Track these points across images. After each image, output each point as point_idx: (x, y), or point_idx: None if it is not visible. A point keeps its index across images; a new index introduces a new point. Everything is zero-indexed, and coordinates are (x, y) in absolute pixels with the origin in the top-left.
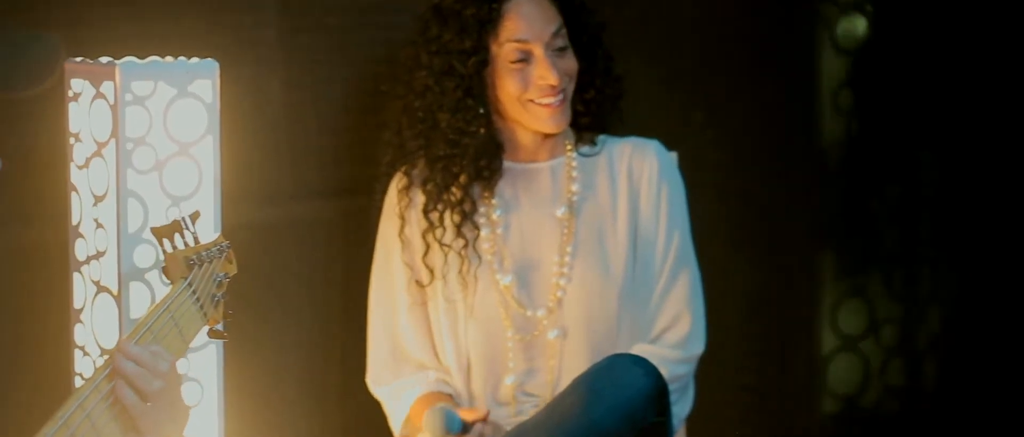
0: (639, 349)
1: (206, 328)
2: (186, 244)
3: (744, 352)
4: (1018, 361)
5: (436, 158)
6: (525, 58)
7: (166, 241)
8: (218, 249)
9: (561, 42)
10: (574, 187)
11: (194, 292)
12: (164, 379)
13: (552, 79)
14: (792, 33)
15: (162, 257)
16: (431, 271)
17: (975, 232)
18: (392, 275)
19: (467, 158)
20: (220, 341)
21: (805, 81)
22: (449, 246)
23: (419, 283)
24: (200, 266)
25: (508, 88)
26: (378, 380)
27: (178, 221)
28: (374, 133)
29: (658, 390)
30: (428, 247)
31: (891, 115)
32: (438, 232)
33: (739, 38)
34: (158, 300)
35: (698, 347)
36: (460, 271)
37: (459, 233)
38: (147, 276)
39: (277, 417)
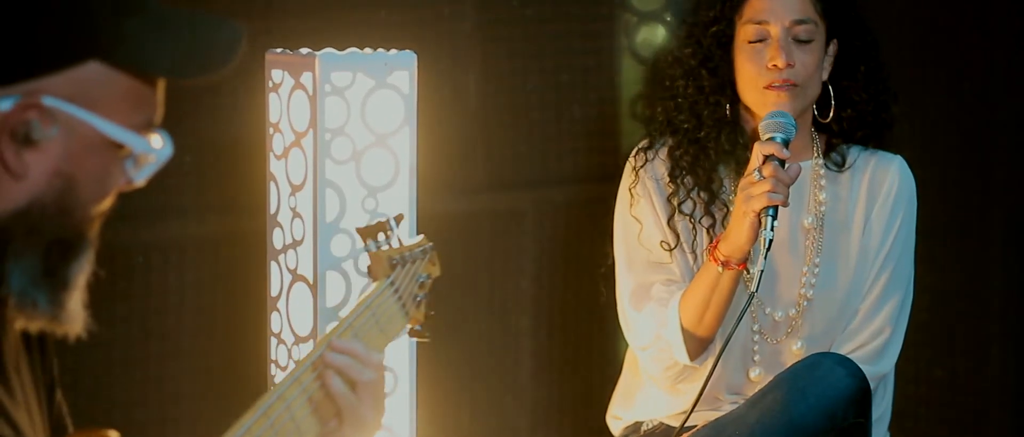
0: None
1: (407, 327)
2: (390, 245)
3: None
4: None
5: (681, 131)
6: (763, 38)
7: (370, 241)
8: (421, 251)
9: (805, 34)
10: (822, 196)
11: (397, 291)
12: (375, 370)
13: (779, 60)
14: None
15: (365, 255)
16: (677, 234)
17: None
18: (632, 249)
19: (710, 135)
20: (421, 340)
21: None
22: (697, 220)
23: (665, 245)
24: (403, 266)
25: (744, 69)
26: (637, 336)
27: (382, 222)
28: (570, 125)
29: (861, 391)
30: (674, 212)
31: None
32: (687, 205)
33: None
34: (355, 292)
35: (887, 366)
36: (706, 248)
37: (707, 211)
38: (343, 265)
39: (468, 407)
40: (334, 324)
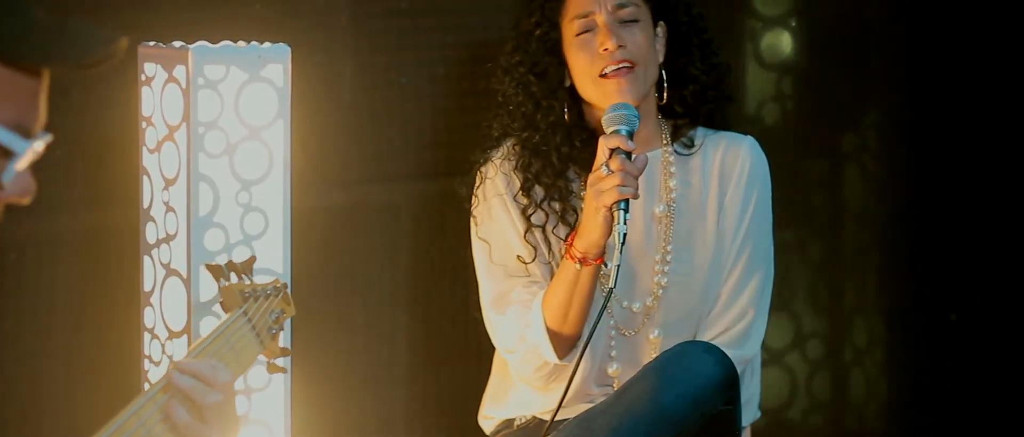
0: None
1: (265, 362)
2: (241, 281)
3: None
4: (946, 373)
5: (523, 143)
6: (590, 29)
7: (222, 279)
8: (274, 289)
9: (630, 16)
10: (672, 183)
11: (250, 320)
12: (222, 392)
13: (609, 42)
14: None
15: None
16: (534, 248)
17: (903, 243)
18: (487, 265)
19: (546, 140)
20: (278, 373)
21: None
22: (551, 230)
23: (521, 260)
24: (255, 300)
25: (577, 63)
26: (503, 340)
27: (232, 263)
28: (445, 118)
29: (729, 379)
30: (529, 227)
31: (815, 131)
32: (538, 217)
33: None
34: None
35: (753, 349)
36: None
37: (563, 220)
38: (217, 260)
39: (343, 400)
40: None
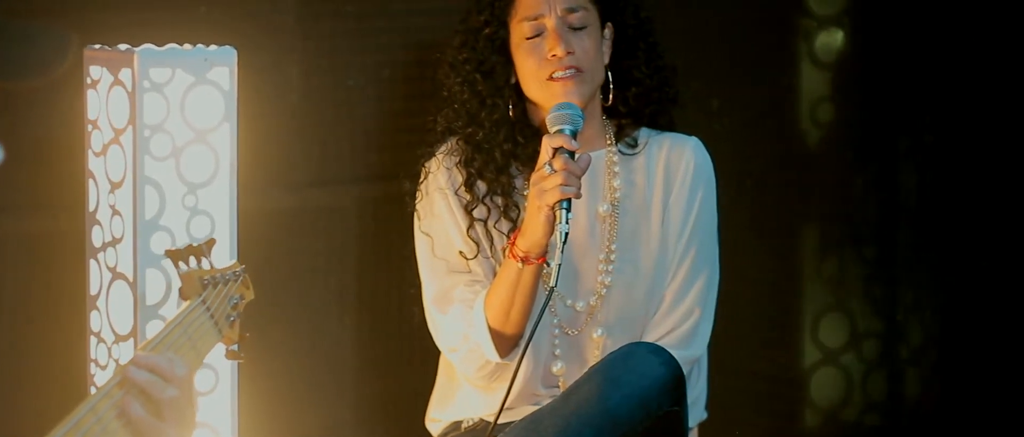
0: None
1: (223, 349)
2: (200, 267)
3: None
4: (1000, 375)
5: (466, 139)
6: (539, 33)
7: (181, 263)
8: (234, 273)
9: (579, 21)
10: (616, 183)
11: (209, 309)
12: (178, 387)
13: (558, 49)
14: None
15: (178, 278)
16: (476, 244)
17: (958, 243)
18: (429, 260)
19: (489, 137)
20: (236, 360)
21: (786, 93)
22: (493, 225)
23: (463, 256)
24: (214, 286)
25: (525, 66)
26: (446, 339)
27: (193, 246)
28: (391, 120)
29: (675, 380)
30: (471, 223)
31: (869, 128)
32: (480, 211)
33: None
34: (176, 288)
35: (699, 349)
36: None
37: (506, 215)
38: (163, 263)
39: (290, 403)
40: (147, 339)
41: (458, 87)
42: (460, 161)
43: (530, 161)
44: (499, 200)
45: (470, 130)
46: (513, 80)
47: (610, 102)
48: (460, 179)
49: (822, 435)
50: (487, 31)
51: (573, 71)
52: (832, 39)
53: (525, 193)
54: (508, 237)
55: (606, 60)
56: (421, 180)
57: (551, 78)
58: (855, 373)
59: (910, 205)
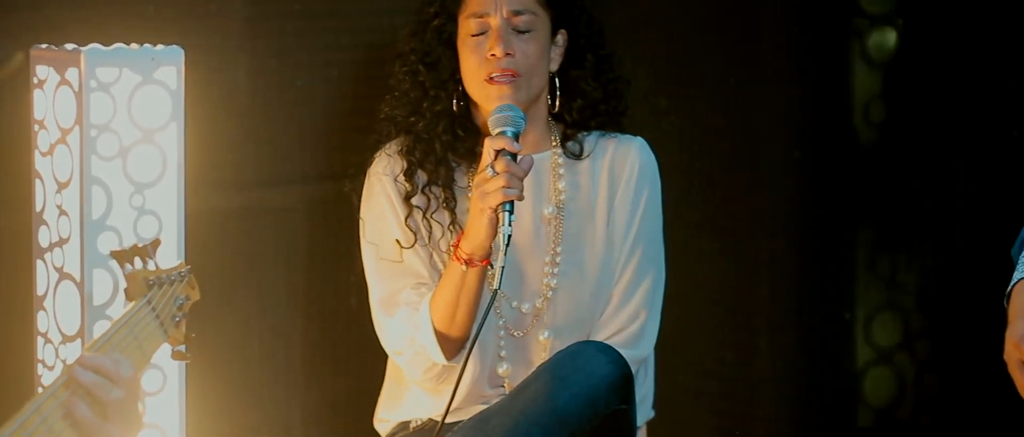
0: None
1: (170, 349)
2: (145, 267)
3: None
4: None
5: (408, 128)
6: (484, 31)
7: (127, 264)
8: (179, 274)
9: (525, 25)
10: (561, 185)
11: (154, 310)
12: (124, 388)
13: (497, 50)
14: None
15: (123, 279)
16: (414, 233)
17: (1012, 242)
18: (375, 262)
19: (429, 128)
20: (183, 361)
21: (837, 92)
22: (431, 215)
23: (399, 243)
24: (160, 287)
25: (467, 63)
26: (392, 342)
27: (137, 246)
28: (340, 120)
29: (623, 378)
30: (410, 212)
31: (922, 126)
32: (419, 200)
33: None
34: (123, 289)
35: (647, 349)
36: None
37: (446, 206)
38: (110, 263)
39: (239, 403)
40: (93, 340)
41: (403, 75)
42: (401, 150)
43: (469, 155)
44: (438, 191)
45: (412, 119)
46: (458, 75)
47: (556, 109)
48: (400, 167)
49: (876, 434)
50: (436, 23)
51: (510, 75)
52: (885, 38)
53: (464, 188)
54: (447, 229)
55: (553, 67)
56: (364, 186)
57: (489, 79)
58: (908, 373)
59: (964, 205)
